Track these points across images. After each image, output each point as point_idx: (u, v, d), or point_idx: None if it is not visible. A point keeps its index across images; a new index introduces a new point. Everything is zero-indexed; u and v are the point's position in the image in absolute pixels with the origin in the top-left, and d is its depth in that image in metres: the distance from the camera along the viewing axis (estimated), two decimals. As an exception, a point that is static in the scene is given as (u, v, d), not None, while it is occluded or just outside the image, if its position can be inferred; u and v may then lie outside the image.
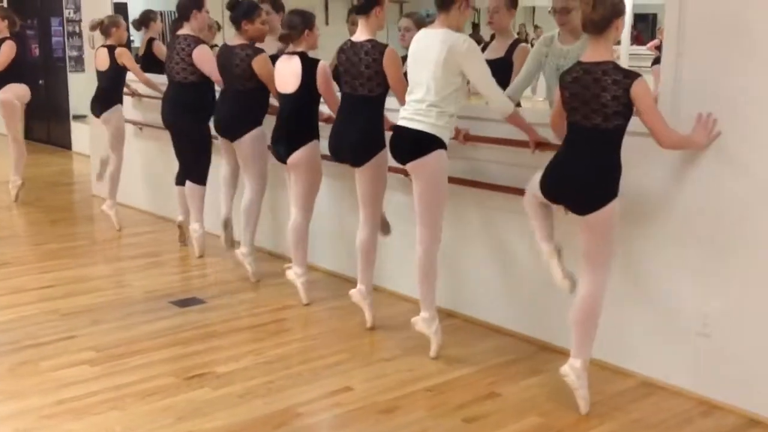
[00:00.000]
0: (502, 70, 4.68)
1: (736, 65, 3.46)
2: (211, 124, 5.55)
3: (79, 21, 9.66)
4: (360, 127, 4.33)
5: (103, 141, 6.92)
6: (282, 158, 4.81)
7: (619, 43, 11.53)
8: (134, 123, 7.12)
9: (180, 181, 6.03)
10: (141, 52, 7.41)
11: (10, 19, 7.51)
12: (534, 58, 4.71)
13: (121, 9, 10.62)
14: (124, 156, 6.80)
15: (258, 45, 5.21)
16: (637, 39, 14.06)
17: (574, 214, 3.51)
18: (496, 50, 4.98)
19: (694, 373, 3.75)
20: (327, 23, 13.41)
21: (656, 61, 13.70)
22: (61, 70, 11.16)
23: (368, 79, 4.25)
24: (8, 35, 7.43)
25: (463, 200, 4.55)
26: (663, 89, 3.70)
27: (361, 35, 4.30)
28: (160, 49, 7.06)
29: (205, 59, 5.54)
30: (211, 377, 3.92)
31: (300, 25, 4.64)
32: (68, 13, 10.80)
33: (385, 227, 4.70)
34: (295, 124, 4.73)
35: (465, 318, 4.69)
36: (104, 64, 6.55)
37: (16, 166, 7.66)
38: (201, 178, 5.82)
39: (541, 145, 4.03)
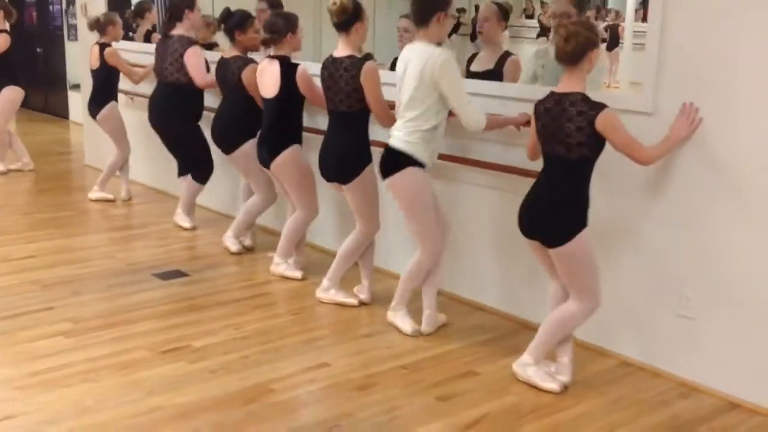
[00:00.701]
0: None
1: (720, 52, 3.38)
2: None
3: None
4: (342, 144, 4.26)
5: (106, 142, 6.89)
6: (265, 163, 4.78)
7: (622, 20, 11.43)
8: (126, 93, 7.05)
9: (182, 173, 6.00)
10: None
11: (6, 9, 7.40)
12: (529, 75, 4.64)
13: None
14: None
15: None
16: (645, 17, 13.89)
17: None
18: (486, 61, 4.87)
19: (674, 354, 3.70)
20: None
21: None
22: (59, 39, 11.07)
23: (347, 95, 4.16)
24: (4, 28, 7.32)
25: (452, 177, 4.49)
26: (646, 76, 3.62)
27: (342, 51, 4.20)
28: None
29: (192, 60, 5.52)
30: (187, 351, 3.89)
31: (283, 28, 4.59)
32: (67, -20, 10.71)
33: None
34: (277, 128, 4.70)
35: (449, 296, 4.64)
36: (96, 62, 6.48)
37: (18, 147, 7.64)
38: (203, 178, 5.79)
39: (527, 123, 3.93)
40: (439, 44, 3.87)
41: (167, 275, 4.94)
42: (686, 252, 3.60)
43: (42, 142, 9.11)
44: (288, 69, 4.59)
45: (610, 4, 17.09)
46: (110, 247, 5.53)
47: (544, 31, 14.75)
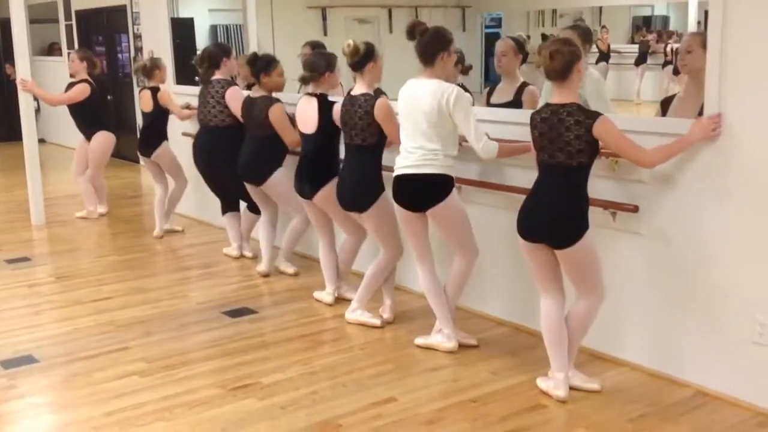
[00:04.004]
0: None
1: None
2: None
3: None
4: (356, 176, 4.56)
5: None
6: (306, 195, 4.99)
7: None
8: (191, 135, 7.22)
9: (226, 210, 6.28)
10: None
11: (89, 60, 7.66)
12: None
13: (187, 24, 10.91)
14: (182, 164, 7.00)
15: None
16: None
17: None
18: (505, 93, 5.11)
19: (750, 382, 3.60)
20: (391, 31, 13.53)
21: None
22: (128, 86, 11.44)
23: (361, 129, 4.46)
24: (86, 77, 7.57)
25: (478, 201, 4.49)
26: (707, 100, 3.59)
27: (358, 89, 4.51)
28: None
29: (233, 100, 5.84)
30: (256, 388, 3.95)
31: (322, 68, 4.83)
32: (135, 29, 11.08)
33: None
34: (317, 163, 4.92)
35: (515, 326, 4.62)
36: (148, 105, 6.79)
37: (91, 197, 7.79)
38: (256, 208, 5.99)
39: None
40: (447, 79, 4.18)
41: (236, 313, 5.03)
42: (758, 276, 3.51)
43: (114, 186, 9.37)
44: (325, 106, 4.82)
45: (672, 26, 16.90)
46: (181, 287, 5.66)
47: (603, 56, 14.65)
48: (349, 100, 4.52)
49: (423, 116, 4.06)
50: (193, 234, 7.08)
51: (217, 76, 5.98)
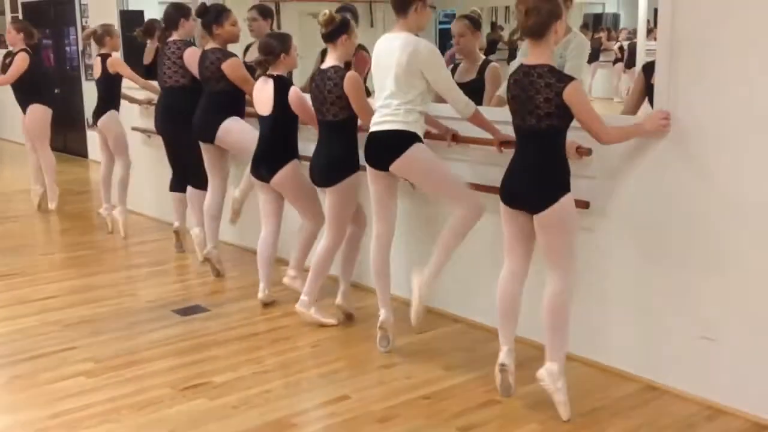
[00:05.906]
0: (475, 92, 4.75)
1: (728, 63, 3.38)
2: None
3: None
4: (328, 152, 4.44)
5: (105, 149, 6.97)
6: (263, 178, 4.86)
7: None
8: (143, 131, 7.11)
9: (174, 187, 6.15)
10: (147, 61, 7.36)
11: (26, 30, 7.53)
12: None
13: (137, 16, 10.70)
14: (132, 161, 6.88)
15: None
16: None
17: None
18: (467, 72, 5.07)
19: (698, 376, 3.65)
20: (372, 26, 13.46)
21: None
22: (76, 80, 11.22)
23: (331, 104, 4.33)
24: (24, 47, 7.43)
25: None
26: (657, 94, 3.62)
27: (329, 62, 4.40)
28: None
29: (190, 59, 5.66)
30: (207, 387, 3.88)
31: (277, 49, 4.72)
32: (84, 21, 10.85)
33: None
34: (273, 145, 4.80)
35: (469, 323, 4.62)
36: (98, 72, 6.68)
37: (46, 174, 7.69)
38: (202, 183, 5.84)
39: (506, 144, 4.01)
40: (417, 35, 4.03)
41: (187, 311, 4.95)
42: (706, 271, 3.56)
43: (62, 182, 9.11)
44: (282, 87, 4.72)
45: (623, 24, 17.14)
46: (130, 285, 5.56)
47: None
48: (320, 74, 4.40)
49: (391, 71, 3.95)
50: (145, 231, 6.96)
51: (174, 37, 5.80)
